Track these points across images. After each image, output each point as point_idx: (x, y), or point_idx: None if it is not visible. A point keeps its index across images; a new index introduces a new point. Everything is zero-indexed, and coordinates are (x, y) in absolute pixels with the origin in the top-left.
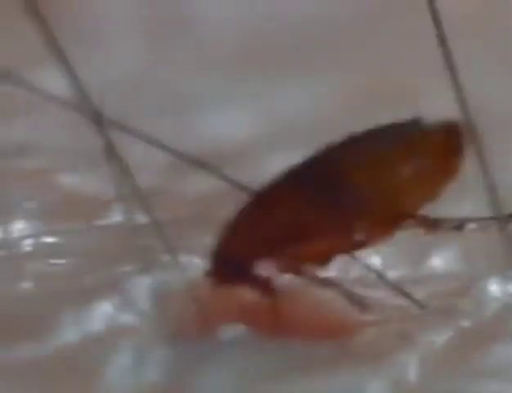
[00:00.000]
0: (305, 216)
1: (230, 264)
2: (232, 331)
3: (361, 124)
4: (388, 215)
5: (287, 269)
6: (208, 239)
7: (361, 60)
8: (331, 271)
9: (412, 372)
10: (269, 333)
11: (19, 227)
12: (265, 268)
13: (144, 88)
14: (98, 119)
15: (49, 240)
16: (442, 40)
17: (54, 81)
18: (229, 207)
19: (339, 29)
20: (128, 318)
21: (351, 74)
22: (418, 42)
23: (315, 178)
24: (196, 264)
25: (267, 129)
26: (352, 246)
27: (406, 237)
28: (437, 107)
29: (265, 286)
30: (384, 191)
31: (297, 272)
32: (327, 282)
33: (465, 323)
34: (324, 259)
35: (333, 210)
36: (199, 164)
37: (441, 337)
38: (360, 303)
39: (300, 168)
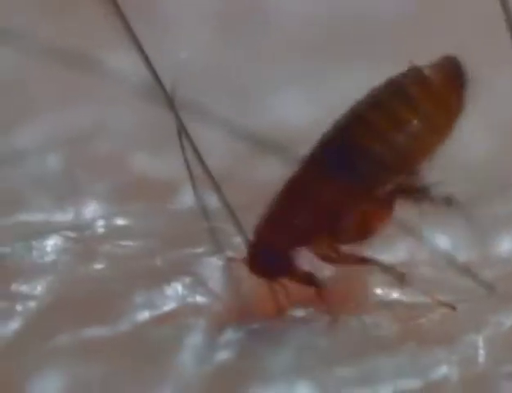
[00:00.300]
0: (333, 195)
1: (269, 256)
2: (301, 311)
3: None
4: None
5: (326, 255)
6: None
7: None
8: (400, 253)
9: (480, 354)
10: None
11: (91, 209)
12: (303, 259)
13: (212, 72)
14: (170, 103)
15: (120, 222)
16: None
17: (126, 64)
18: None
19: (394, 24)
20: (199, 299)
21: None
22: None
23: (334, 156)
24: None
25: (328, 113)
26: (380, 218)
27: (474, 220)
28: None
29: (307, 278)
30: (399, 150)
31: (336, 254)
32: (367, 260)
33: None
34: (361, 236)
35: (356, 182)
36: (271, 148)
37: (509, 319)
38: (400, 277)
39: (318, 150)
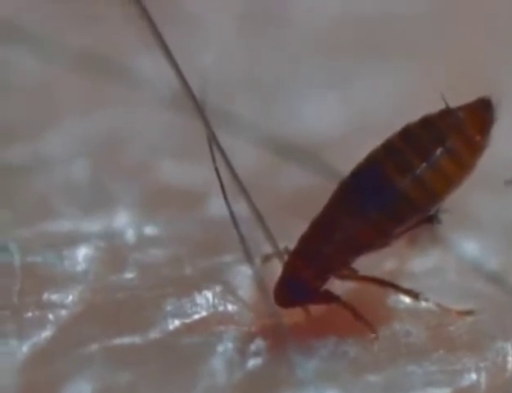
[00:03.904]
0: (360, 230)
1: (296, 289)
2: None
3: None
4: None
5: (344, 275)
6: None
7: (443, 51)
8: (429, 261)
9: (509, 361)
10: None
11: (120, 218)
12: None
13: (238, 75)
14: (201, 110)
15: (150, 231)
16: None
17: (154, 70)
18: (324, 196)
19: (420, 24)
20: (229, 307)
21: (434, 65)
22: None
23: (362, 190)
24: None
25: (359, 117)
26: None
27: (501, 226)
28: None
29: (328, 297)
30: (426, 186)
31: (354, 276)
32: (383, 282)
33: None
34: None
35: (384, 218)
36: (299, 154)
37: None
38: (416, 298)
39: (349, 184)
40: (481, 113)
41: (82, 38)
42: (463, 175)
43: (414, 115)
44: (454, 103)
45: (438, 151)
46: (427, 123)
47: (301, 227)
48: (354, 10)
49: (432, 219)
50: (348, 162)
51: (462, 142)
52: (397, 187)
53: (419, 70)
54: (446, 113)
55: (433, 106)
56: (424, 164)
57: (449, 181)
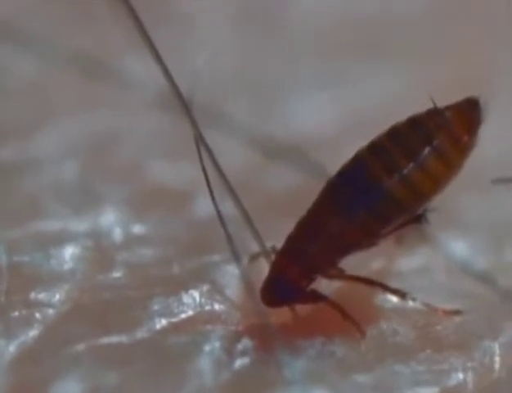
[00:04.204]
0: (346, 229)
1: (283, 288)
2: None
3: None
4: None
5: (332, 275)
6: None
7: (442, 52)
8: (417, 260)
9: (496, 361)
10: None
11: (108, 217)
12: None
13: (230, 76)
14: (187, 110)
15: (138, 230)
16: None
17: (144, 72)
18: (312, 196)
19: (420, 25)
20: (216, 307)
21: (433, 65)
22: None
23: (349, 190)
24: None
25: (352, 118)
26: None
27: (489, 226)
28: None
29: (315, 297)
30: (413, 185)
31: (342, 276)
32: (370, 282)
33: None
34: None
35: (371, 218)
36: (289, 154)
37: None
38: (403, 297)
39: (335, 183)
40: (468, 113)
41: (72, 39)
42: (450, 175)
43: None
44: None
45: (426, 150)
46: (414, 122)
47: (288, 226)
48: (354, 10)
49: (419, 219)
50: (337, 162)
51: (449, 142)
52: (383, 187)
53: (418, 71)
54: (434, 113)
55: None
56: (412, 164)
57: (436, 181)
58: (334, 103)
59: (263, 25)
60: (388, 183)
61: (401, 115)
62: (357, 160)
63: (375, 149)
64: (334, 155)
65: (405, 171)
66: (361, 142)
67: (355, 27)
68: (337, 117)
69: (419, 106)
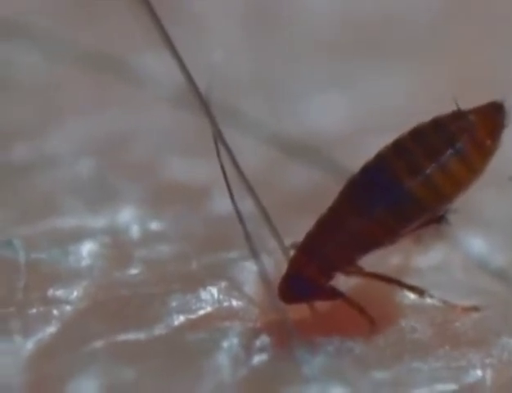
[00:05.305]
0: (367, 228)
1: (301, 285)
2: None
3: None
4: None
5: (347, 272)
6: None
7: (442, 52)
8: (435, 257)
9: None
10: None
11: (125, 214)
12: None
13: (245, 73)
14: (206, 107)
15: (155, 227)
16: None
17: (160, 68)
18: (329, 193)
19: (421, 25)
20: (234, 303)
21: (433, 65)
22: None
23: (370, 189)
24: None
25: (364, 116)
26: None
27: (507, 223)
28: None
29: (333, 293)
30: (435, 186)
31: (361, 274)
32: (389, 279)
33: None
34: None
35: (388, 215)
36: (305, 152)
37: None
38: (421, 294)
39: (356, 181)
40: (492, 117)
41: (87, 36)
42: (472, 178)
43: (415, 115)
44: (453, 104)
45: (448, 152)
46: (438, 124)
47: (305, 223)
48: (364, 9)
49: (440, 220)
50: (352, 160)
51: (472, 146)
52: (405, 187)
53: (419, 70)
54: (458, 115)
55: (434, 106)
56: (434, 165)
57: (458, 183)
58: (346, 102)
59: (275, 24)
60: (410, 184)
61: (410, 112)
62: (380, 158)
63: (398, 149)
64: (348, 152)
65: (427, 172)
66: (373, 140)
67: (355, 27)
68: (349, 116)
69: (424, 105)
